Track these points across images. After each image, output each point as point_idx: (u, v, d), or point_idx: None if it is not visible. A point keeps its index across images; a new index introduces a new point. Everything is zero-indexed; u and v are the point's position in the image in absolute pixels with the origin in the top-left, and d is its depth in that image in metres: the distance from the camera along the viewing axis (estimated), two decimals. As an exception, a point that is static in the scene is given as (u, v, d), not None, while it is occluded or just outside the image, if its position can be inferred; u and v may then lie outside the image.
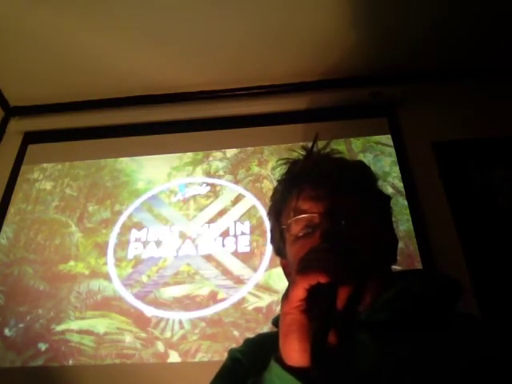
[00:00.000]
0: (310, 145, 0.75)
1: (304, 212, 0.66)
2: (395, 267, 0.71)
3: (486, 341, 0.56)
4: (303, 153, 0.75)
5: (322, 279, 0.50)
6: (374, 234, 0.66)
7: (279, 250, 0.75)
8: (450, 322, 0.59)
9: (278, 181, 0.77)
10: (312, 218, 0.65)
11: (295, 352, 0.50)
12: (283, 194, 0.73)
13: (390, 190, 1.74)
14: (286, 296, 0.53)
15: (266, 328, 1.50)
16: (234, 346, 0.76)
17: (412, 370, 0.53)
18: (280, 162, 0.77)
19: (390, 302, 0.60)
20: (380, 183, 0.77)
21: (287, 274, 0.74)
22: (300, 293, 0.51)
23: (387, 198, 0.76)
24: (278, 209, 0.74)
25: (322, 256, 0.54)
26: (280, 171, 0.76)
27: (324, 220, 0.63)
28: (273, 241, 0.77)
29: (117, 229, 1.80)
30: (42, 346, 1.54)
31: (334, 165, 0.72)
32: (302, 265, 0.54)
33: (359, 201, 0.67)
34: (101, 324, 1.57)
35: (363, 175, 0.74)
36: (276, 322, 0.69)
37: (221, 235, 1.74)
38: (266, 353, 0.56)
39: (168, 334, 1.54)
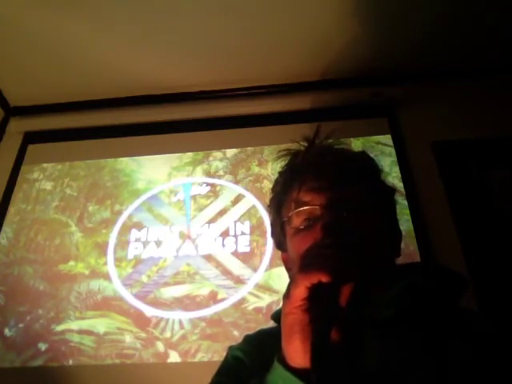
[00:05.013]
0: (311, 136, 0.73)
1: (305, 204, 0.63)
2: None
3: (488, 338, 0.55)
4: (305, 144, 0.72)
5: (324, 278, 0.48)
6: (377, 227, 0.64)
7: (280, 244, 0.73)
8: (455, 318, 0.58)
9: (279, 172, 0.74)
10: (313, 210, 0.62)
11: (298, 353, 0.49)
12: (284, 185, 0.71)
13: (389, 190, 1.74)
14: (287, 295, 0.52)
15: (266, 328, 1.50)
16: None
17: (418, 367, 0.52)
18: (281, 154, 0.74)
19: (395, 298, 0.58)
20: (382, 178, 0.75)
21: (288, 269, 0.72)
22: (302, 292, 0.50)
23: (391, 190, 0.73)
24: (279, 201, 0.71)
25: (323, 253, 0.53)
26: (281, 162, 0.74)
27: (326, 212, 0.61)
28: (273, 234, 0.75)
29: (117, 229, 1.80)
30: (42, 346, 1.55)
31: (337, 156, 0.69)
32: (304, 262, 0.52)
33: (362, 192, 0.65)
34: (101, 324, 1.57)
35: (366, 166, 0.71)
36: (275, 318, 0.67)
37: (221, 235, 1.74)
38: (267, 350, 0.55)
39: (168, 334, 1.54)
